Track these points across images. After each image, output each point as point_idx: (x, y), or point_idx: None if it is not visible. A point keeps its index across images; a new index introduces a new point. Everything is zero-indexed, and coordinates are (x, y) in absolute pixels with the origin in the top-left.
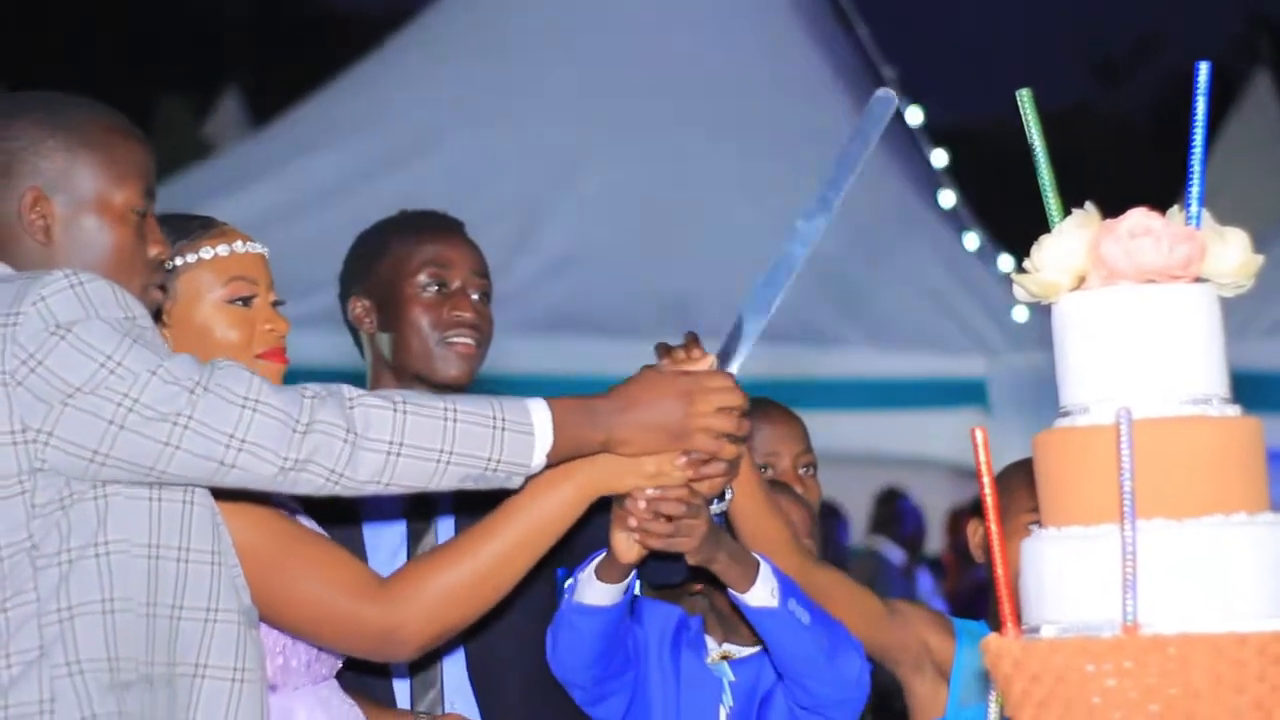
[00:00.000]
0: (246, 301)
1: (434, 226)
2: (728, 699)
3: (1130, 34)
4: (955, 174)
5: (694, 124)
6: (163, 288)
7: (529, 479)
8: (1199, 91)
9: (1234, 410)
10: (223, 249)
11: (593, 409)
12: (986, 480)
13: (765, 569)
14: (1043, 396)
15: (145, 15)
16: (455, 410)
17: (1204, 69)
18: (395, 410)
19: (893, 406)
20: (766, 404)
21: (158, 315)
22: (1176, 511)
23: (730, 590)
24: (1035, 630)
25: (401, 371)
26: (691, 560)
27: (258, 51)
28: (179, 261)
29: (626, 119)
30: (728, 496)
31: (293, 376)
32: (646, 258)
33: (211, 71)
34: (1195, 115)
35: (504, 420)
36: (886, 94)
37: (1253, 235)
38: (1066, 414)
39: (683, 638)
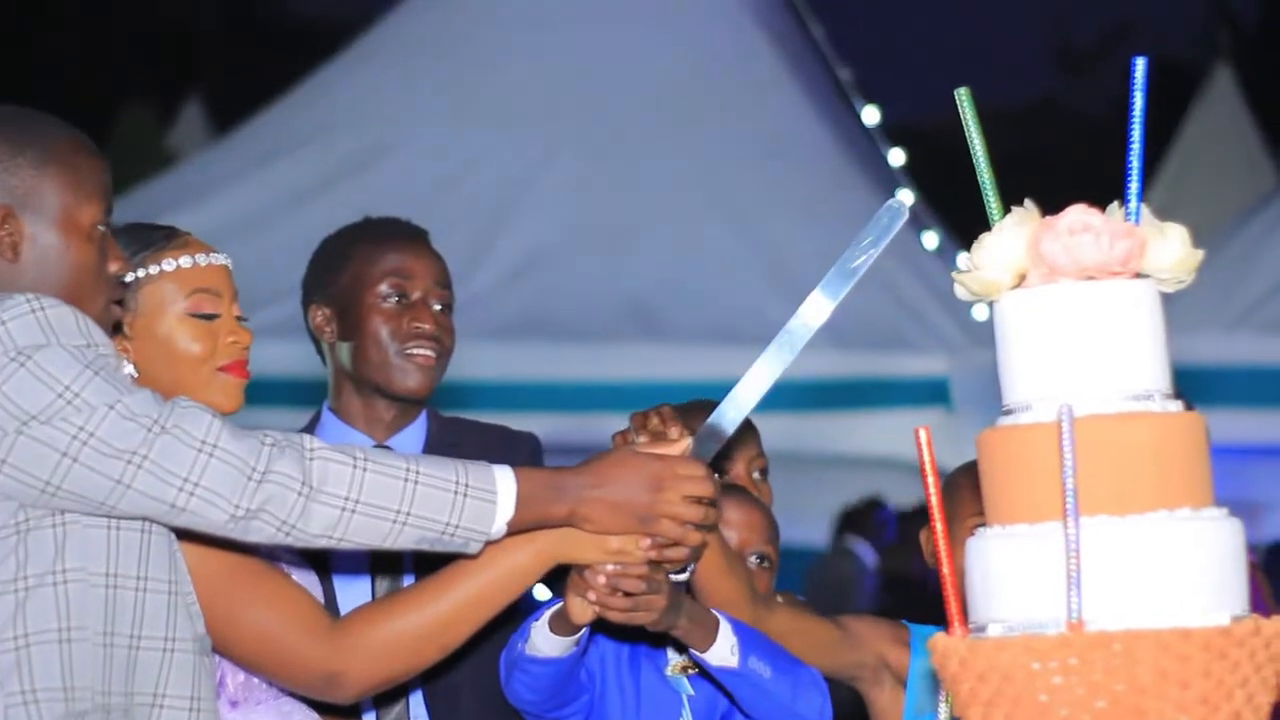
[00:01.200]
0: (210, 316)
1: (396, 235)
2: (687, 715)
3: (1094, 28)
4: (915, 173)
5: (652, 126)
6: (120, 302)
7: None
8: (1136, 87)
9: (1176, 405)
10: (185, 260)
11: (560, 483)
12: (931, 481)
13: (725, 626)
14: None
15: (107, 24)
16: (417, 471)
17: (1140, 64)
18: (355, 466)
19: (855, 406)
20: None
21: (117, 328)
22: (1120, 508)
23: (690, 650)
24: (982, 629)
25: (361, 382)
26: (651, 629)
27: (220, 60)
28: (141, 273)
29: (585, 123)
30: (689, 569)
31: (254, 387)
32: (606, 261)
33: (174, 81)
34: (1133, 110)
35: (466, 486)
36: (899, 204)
37: (1214, 227)
38: (1009, 412)
39: (641, 649)
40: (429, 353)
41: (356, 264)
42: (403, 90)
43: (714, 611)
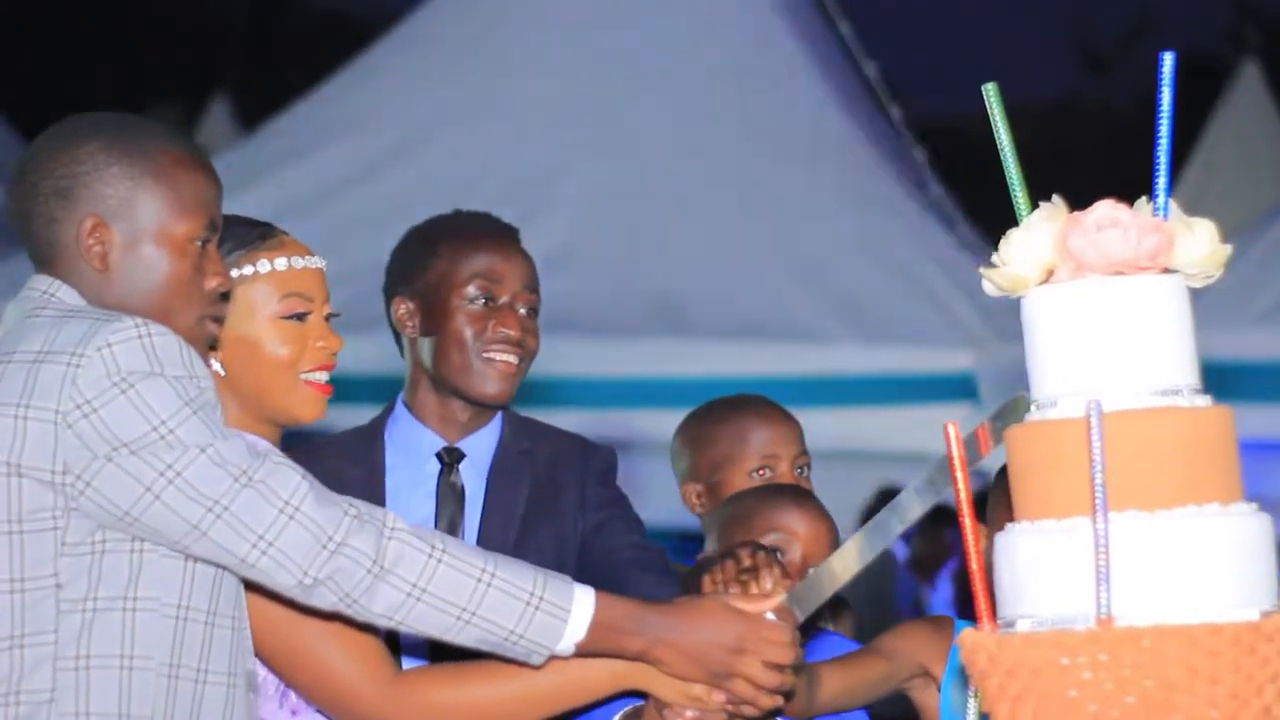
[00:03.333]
0: (301, 317)
1: (487, 234)
2: None
3: (1119, 25)
4: (943, 168)
5: (681, 122)
6: (218, 319)
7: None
8: (1164, 83)
9: (1205, 400)
10: (281, 263)
11: (641, 618)
12: (960, 475)
13: None
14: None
15: (134, 23)
16: (493, 574)
17: (1169, 60)
18: (430, 555)
19: (882, 402)
20: (765, 404)
21: (214, 345)
22: (1149, 503)
23: None
24: (1010, 624)
25: (440, 381)
26: None
27: (247, 58)
28: (234, 274)
29: (614, 118)
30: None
31: None
32: (635, 257)
33: (200, 79)
34: (1161, 105)
35: (540, 599)
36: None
37: (1241, 224)
38: (1037, 408)
39: None
40: (511, 359)
41: (444, 261)
42: (429, 88)
43: None
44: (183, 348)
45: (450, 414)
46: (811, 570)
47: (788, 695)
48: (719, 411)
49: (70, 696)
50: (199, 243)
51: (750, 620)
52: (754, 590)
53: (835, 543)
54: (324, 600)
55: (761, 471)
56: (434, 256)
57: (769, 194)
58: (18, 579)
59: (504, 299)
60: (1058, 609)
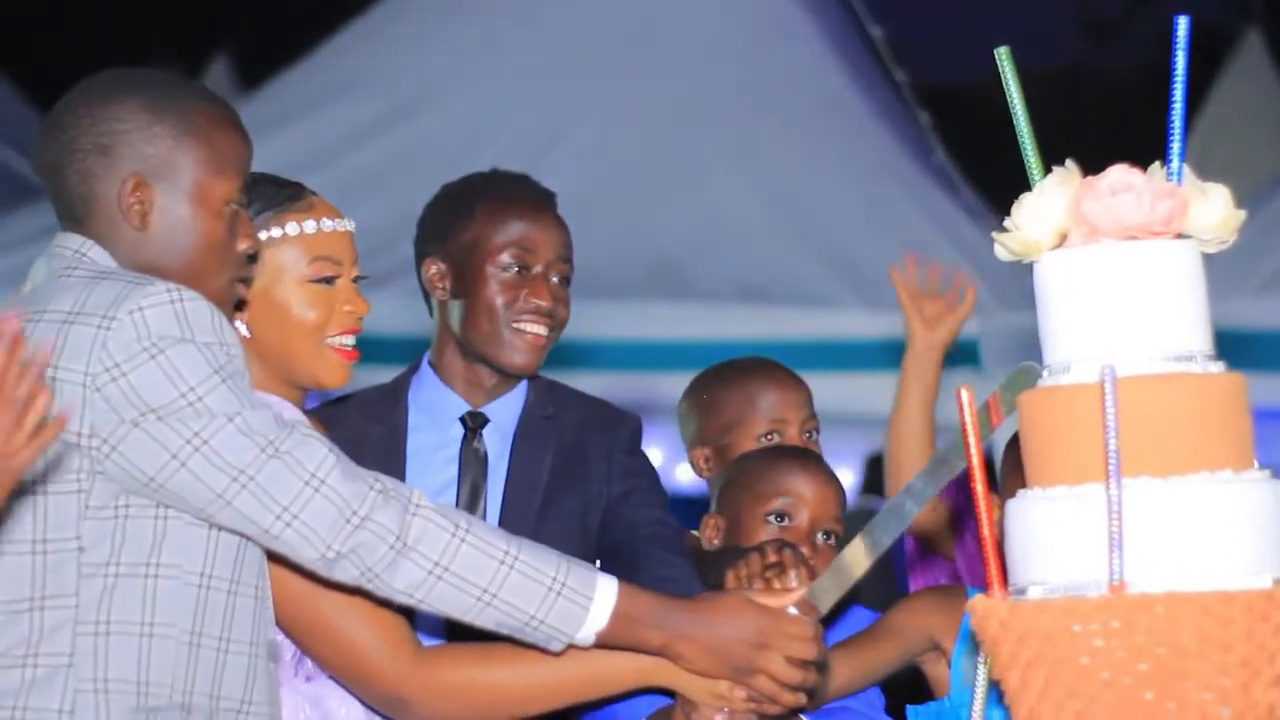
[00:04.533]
0: (329, 281)
1: (524, 200)
2: None
3: None
4: (946, 133)
5: (679, 85)
6: (246, 281)
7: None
8: (1179, 46)
9: (1218, 367)
10: (310, 225)
11: (664, 611)
12: (972, 440)
13: None
14: (1036, 356)
15: None
16: (516, 557)
17: (1183, 23)
18: (454, 534)
19: (885, 367)
20: (774, 367)
21: (240, 305)
22: (1162, 469)
23: None
24: (1022, 591)
25: (467, 347)
26: None
27: (247, 18)
28: (263, 235)
29: (618, 81)
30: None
31: None
32: (638, 220)
33: (200, 39)
34: (1175, 70)
35: (563, 585)
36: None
37: (1245, 193)
38: (1050, 373)
39: None
40: (541, 330)
41: (480, 225)
42: (430, 49)
43: None
44: (214, 314)
45: (476, 379)
46: (831, 564)
47: (811, 692)
48: (727, 375)
49: (89, 661)
50: (233, 204)
51: (773, 615)
52: (778, 586)
53: (842, 505)
54: (345, 574)
55: (770, 436)
56: (469, 219)
57: (772, 157)
58: (39, 540)
59: (538, 268)
60: (1070, 576)
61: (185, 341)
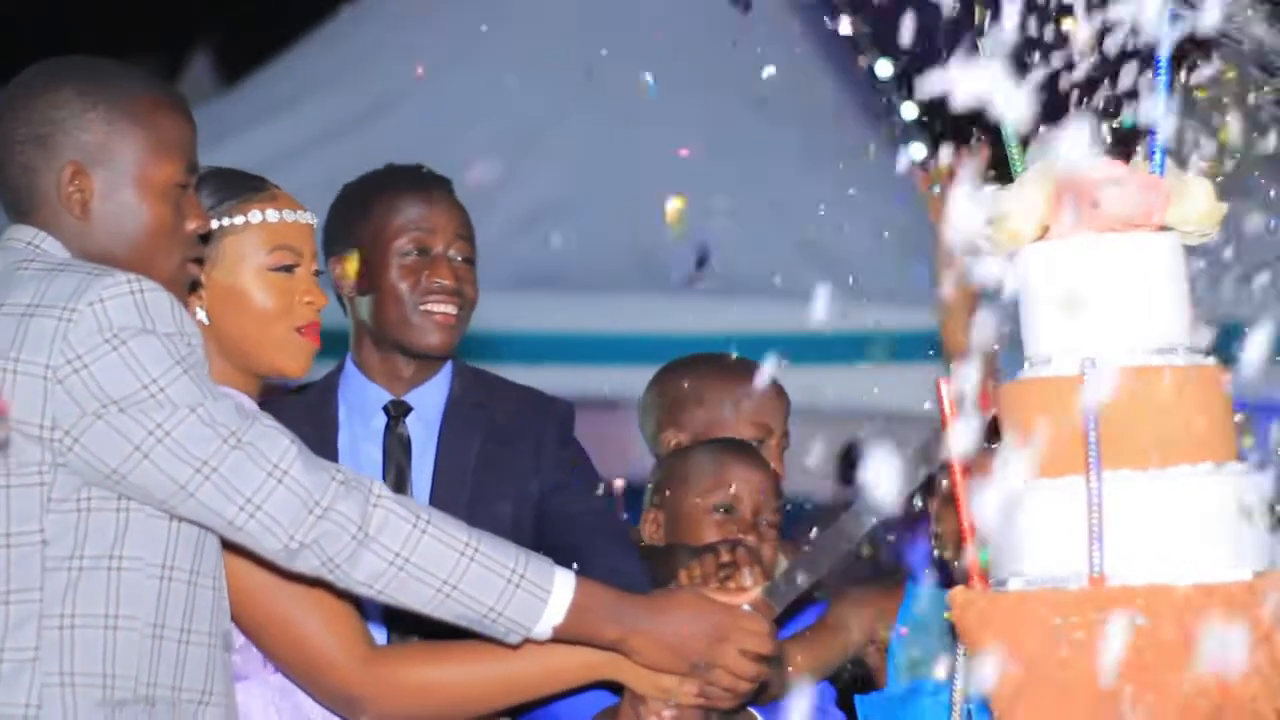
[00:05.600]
0: (289, 270)
1: (416, 186)
2: None
3: None
4: (928, 125)
5: (662, 79)
6: (199, 260)
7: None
8: (1162, 36)
9: (1200, 359)
10: (272, 214)
11: (620, 606)
12: (951, 434)
13: None
14: (1018, 346)
15: None
16: (476, 549)
17: (1166, 14)
18: (415, 525)
19: (860, 360)
20: (737, 367)
21: (195, 286)
22: (1142, 462)
23: None
24: (1002, 583)
25: (381, 338)
26: None
27: (228, 11)
28: (225, 222)
29: (599, 74)
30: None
31: None
32: (616, 213)
33: (181, 31)
34: (1159, 60)
35: (522, 577)
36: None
37: (1226, 186)
38: (1031, 365)
39: None
40: (449, 309)
41: (376, 216)
42: (413, 41)
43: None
44: (174, 304)
45: (394, 369)
46: (787, 564)
47: (763, 685)
48: (705, 371)
49: (55, 655)
50: (179, 185)
51: (728, 611)
52: (733, 585)
53: (780, 493)
54: (307, 564)
55: (758, 445)
56: (366, 212)
57: (752, 152)
58: (3, 534)
59: (437, 249)
60: (1050, 568)
61: (147, 332)
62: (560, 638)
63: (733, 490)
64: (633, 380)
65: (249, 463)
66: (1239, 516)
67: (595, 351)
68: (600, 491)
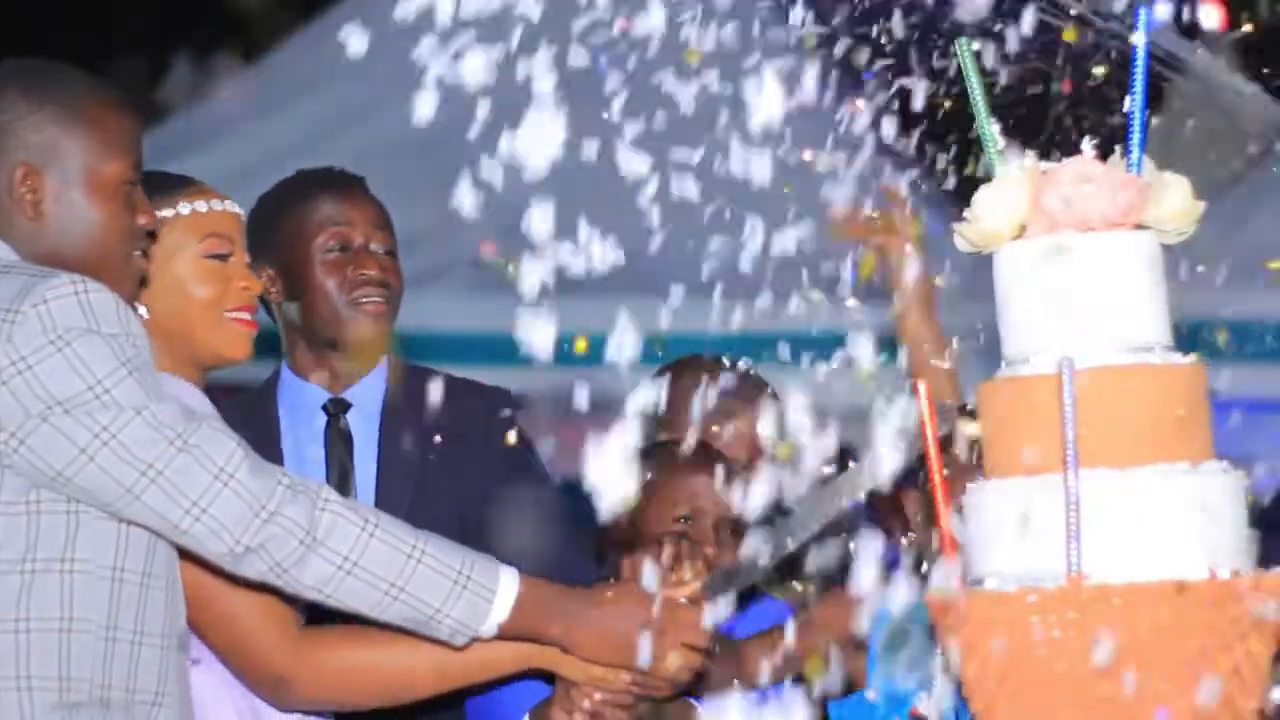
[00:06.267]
0: (223, 258)
1: (328, 185)
2: None
3: None
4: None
5: (637, 80)
6: (148, 255)
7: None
8: (1139, 36)
9: (1177, 357)
10: (201, 205)
11: (562, 603)
12: (930, 432)
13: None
14: (998, 347)
15: None
16: (423, 551)
17: (1144, 14)
18: (364, 528)
19: (834, 359)
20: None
21: (143, 282)
22: (1120, 461)
23: None
24: (980, 582)
25: (313, 338)
26: None
27: (211, 14)
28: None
29: (577, 75)
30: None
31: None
32: (592, 213)
33: (164, 35)
34: (1135, 60)
35: (469, 579)
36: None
37: (1206, 185)
38: (1008, 364)
39: None
40: (378, 299)
41: (292, 220)
42: (394, 45)
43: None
44: (119, 305)
45: (330, 367)
46: (725, 563)
47: (700, 676)
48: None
49: (10, 659)
50: (128, 182)
51: (667, 604)
52: (673, 579)
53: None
54: (253, 569)
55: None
56: (281, 218)
57: (729, 153)
58: None
59: (358, 242)
60: (1028, 566)
61: (91, 333)
62: (504, 636)
63: (691, 502)
64: (610, 380)
65: (195, 465)
66: (1216, 515)
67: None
68: (547, 480)
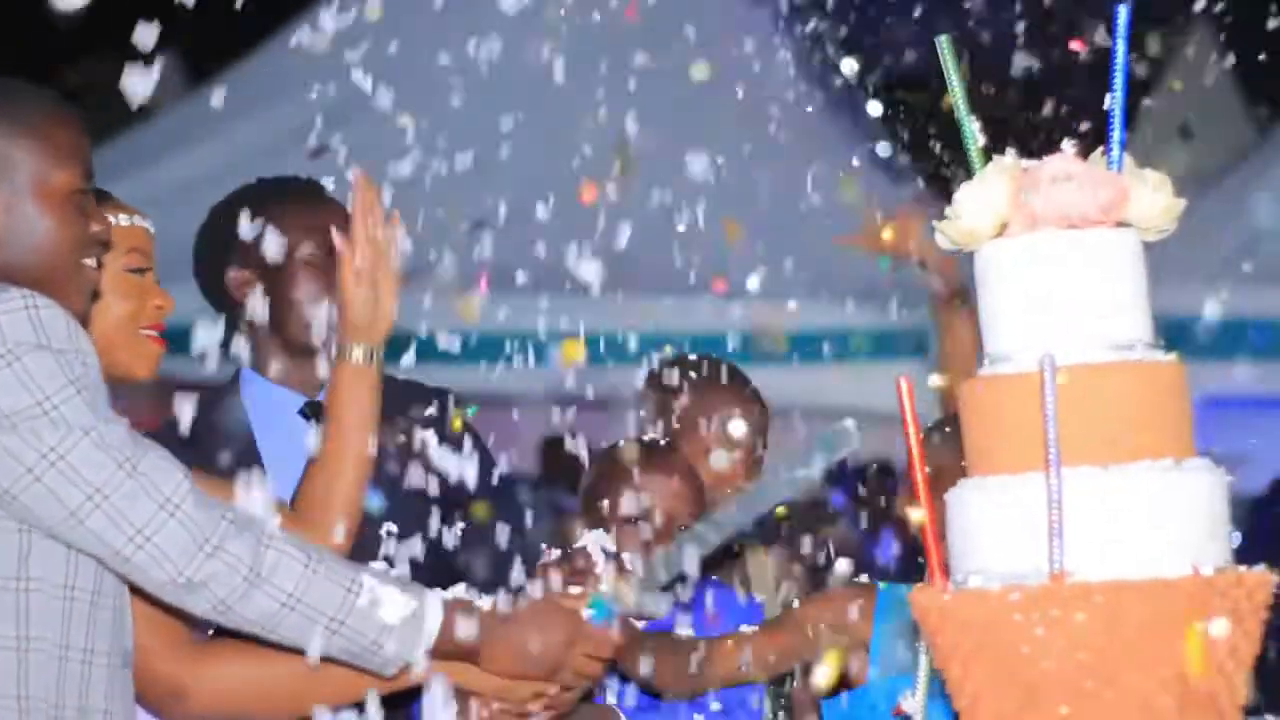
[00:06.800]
0: (140, 273)
1: (306, 192)
2: None
3: None
4: (895, 123)
5: (629, 79)
6: (101, 265)
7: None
8: (1118, 35)
9: (1160, 355)
10: (123, 219)
11: (483, 623)
12: (912, 431)
13: None
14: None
15: None
16: (361, 585)
17: (1123, 11)
18: (307, 565)
19: (834, 358)
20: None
21: (97, 295)
22: (1102, 458)
23: None
24: (963, 581)
25: (289, 342)
26: None
27: (196, 12)
28: None
29: (568, 75)
30: None
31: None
32: (582, 214)
33: (145, 35)
34: (1115, 58)
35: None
36: (846, 430)
37: (1191, 181)
38: (990, 361)
39: None
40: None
41: (271, 225)
42: (381, 43)
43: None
44: (69, 323)
45: (306, 372)
46: (643, 564)
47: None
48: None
49: None
50: (80, 191)
51: (576, 616)
52: (580, 590)
53: (698, 498)
54: (196, 606)
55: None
56: (259, 227)
57: (715, 151)
58: None
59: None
60: (1010, 565)
61: (41, 349)
62: (437, 652)
63: (645, 499)
64: (600, 379)
65: (142, 493)
66: (1200, 512)
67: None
68: (496, 482)
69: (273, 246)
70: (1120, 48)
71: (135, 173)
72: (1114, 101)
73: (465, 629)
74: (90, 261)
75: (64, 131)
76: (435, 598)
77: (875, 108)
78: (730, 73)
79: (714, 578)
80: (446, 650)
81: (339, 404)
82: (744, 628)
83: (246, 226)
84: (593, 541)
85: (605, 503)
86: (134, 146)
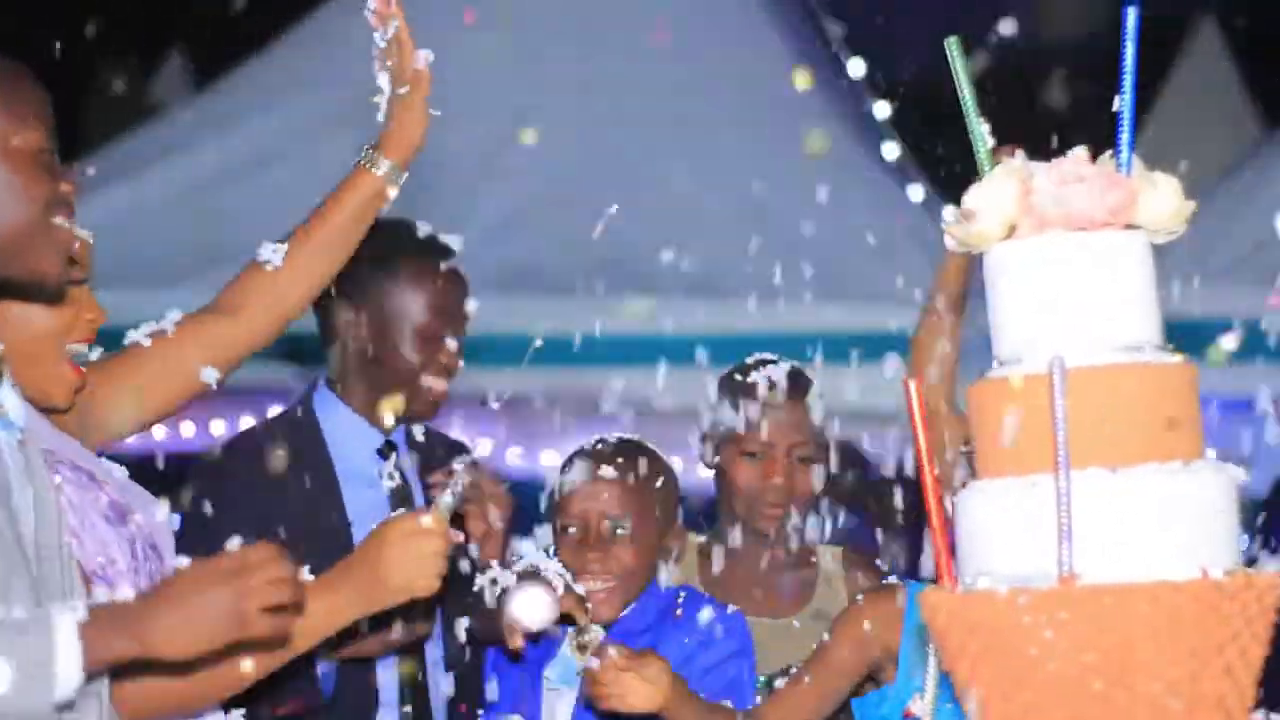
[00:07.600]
0: (78, 284)
1: (441, 259)
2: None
3: None
4: (902, 125)
5: (633, 79)
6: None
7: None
8: (1127, 36)
9: (1169, 357)
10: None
11: (121, 615)
12: (920, 432)
13: None
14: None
15: None
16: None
17: (1132, 14)
18: None
19: (840, 360)
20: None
21: (72, 261)
22: (1112, 460)
23: None
24: (971, 583)
25: (380, 383)
26: None
27: (202, 13)
28: None
29: (570, 75)
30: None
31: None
32: (587, 215)
33: (155, 33)
34: (1124, 60)
35: (15, 635)
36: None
37: (1198, 185)
38: (1000, 364)
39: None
40: (444, 386)
41: (401, 285)
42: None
43: None
44: None
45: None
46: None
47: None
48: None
49: None
50: (46, 150)
51: (228, 554)
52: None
53: (624, 497)
54: None
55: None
56: (389, 274)
57: (721, 152)
58: None
59: (448, 333)
60: (1019, 567)
61: None
62: (93, 674)
63: (576, 505)
64: (607, 381)
65: None
66: (1209, 514)
67: (573, 353)
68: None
69: (388, 300)
70: (1128, 49)
71: (135, 172)
72: (1123, 103)
73: (107, 628)
74: (61, 221)
75: (24, 92)
76: (63, 614)
77: (882, 109)
78: (732, 74)
79: (690, 586)
80: (110, 659)
81: (341, 201)
82: (778, 682)
83: (374, 267)
84: (543, 563)
85: (556, 517)
86: (144, 145)
